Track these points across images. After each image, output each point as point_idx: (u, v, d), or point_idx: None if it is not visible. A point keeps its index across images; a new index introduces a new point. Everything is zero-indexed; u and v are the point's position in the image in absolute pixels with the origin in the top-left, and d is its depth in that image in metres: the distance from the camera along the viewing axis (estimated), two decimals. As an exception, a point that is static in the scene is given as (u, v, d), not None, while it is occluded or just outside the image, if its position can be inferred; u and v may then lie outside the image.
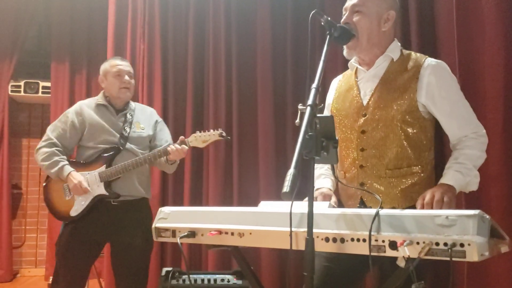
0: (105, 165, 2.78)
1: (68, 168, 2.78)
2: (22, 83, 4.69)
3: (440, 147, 2.06)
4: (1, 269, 4.56)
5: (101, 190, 2.75)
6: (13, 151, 4.77)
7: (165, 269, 2.62)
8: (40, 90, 4.72)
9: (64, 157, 2.86)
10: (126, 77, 2.90)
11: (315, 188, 2.01)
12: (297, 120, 1.36)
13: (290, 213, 1.38)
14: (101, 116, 2.88)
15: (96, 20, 4.74)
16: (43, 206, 4.87)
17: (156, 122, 3.02)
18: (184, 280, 2.64)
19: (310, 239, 1.30)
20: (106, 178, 2.75)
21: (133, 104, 3.01)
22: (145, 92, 4.03)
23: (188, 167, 3.99)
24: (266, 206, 1.63)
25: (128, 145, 2.83)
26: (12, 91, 4.65)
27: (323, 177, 2.04)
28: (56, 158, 2.81)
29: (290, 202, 1.36)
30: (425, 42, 2.80)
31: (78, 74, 4.75)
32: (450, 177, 1.72)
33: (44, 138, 2.89)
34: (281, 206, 1.54)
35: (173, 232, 1.73)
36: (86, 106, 2.94)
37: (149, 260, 2.84)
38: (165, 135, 3.02)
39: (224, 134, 2.80)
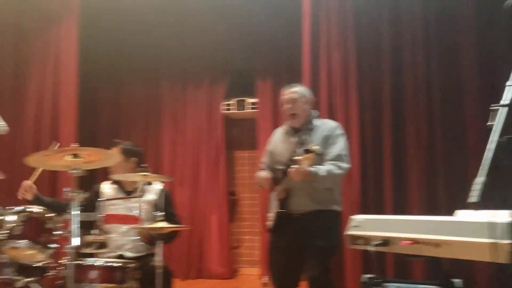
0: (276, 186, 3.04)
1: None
2: (232, 101, 5.27)
3: None
4: (223, 267, 5.16)
5: (276, 207, 3.02)
6: (228, 162, 5.40)
7: (365, 276, 2.61)
8: (248, 106, 5.23)
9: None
10: (286, 105, 3.11)
11: None
12: (489, 122, 1.25)
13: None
14: (281, 139, 3.18)
15: (295, 37, 5.01)
16: (255, 210, 5.39)
17: (326, 136, 3.05)
18: (386, 289, 2.59)
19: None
20: (275, 197, 3.02)
21: (314, 123, 3.13)
22: (341, 101, 4.13)
23: (389, 172, 3.94)
24: (462, 215, 1.53)
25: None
26: (225, 109, 5.29)
27: None
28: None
29: (488, 211, 1.27)
30: None
31: (281, 89, 5.09)
32: None
33: None
34: (479, 216, 1.43)
35: (366, 240, 1.75)
36: (277, 131, 3.29)
37: (329, 259, 3.04)
38: (334, 148, 3.03)
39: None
